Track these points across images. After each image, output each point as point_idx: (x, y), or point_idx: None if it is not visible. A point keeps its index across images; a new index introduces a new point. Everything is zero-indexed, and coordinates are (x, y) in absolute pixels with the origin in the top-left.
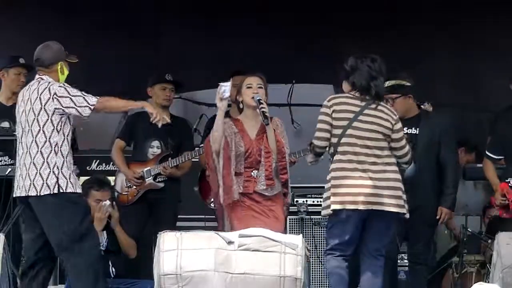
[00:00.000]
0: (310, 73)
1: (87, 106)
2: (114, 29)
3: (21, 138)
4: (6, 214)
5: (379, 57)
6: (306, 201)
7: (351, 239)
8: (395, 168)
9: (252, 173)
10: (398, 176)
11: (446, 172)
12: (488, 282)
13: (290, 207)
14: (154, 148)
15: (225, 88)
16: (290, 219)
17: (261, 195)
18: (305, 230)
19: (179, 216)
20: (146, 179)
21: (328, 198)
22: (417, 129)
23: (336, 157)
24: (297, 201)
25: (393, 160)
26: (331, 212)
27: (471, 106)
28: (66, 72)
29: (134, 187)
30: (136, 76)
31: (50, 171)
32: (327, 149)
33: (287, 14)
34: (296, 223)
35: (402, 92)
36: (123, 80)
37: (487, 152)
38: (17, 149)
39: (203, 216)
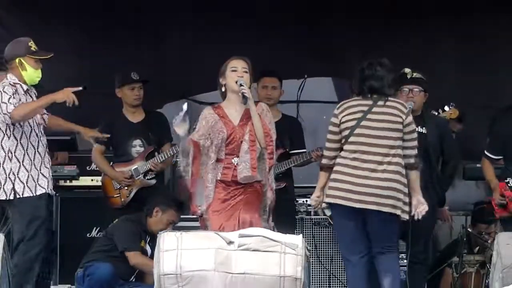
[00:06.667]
0: (310, 67)
1: (6, 114)
2: (115, 31)
3: None
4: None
5: (385, 59)
6: (306, 201)
7: (353, 238)
8: (399, 169)
9: (233, 160)
10: (401, 177)
11: (447, 168)
12: (488, 282)
13: None
14: (137, 147)
15: None
16: None
17: (239, 182)
18: (305, 230)
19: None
20: (136, 178)
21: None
22: (423, 127)
23: (343, 153)
24: (297, 201)
25: (400, 160)
26: (326, 205)
27: (473, 105)
28: (30, 69)
29: (126, 187)
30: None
31: (6, 177)
32: None
33: (287, 14)
34: (296, 223)
35: (425, 88)
36: None
37: (486, 152)
38: None
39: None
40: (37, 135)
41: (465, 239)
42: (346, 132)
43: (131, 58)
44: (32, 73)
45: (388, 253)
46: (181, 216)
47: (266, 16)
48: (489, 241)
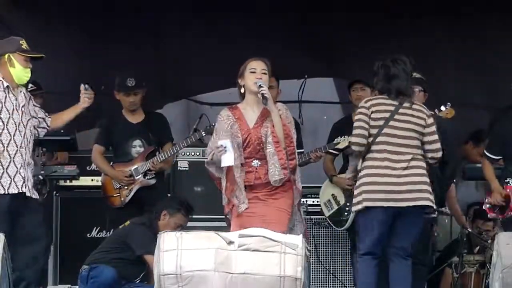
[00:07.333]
0: (310, 67)
1: None
2: (115, 31)
3: None
4: None
5: (404, 56)
6: (306, 201)
7: (380, 237)
8: (422, 163)
9: (253, 163)
10: (424, 171)
11: (447, 168)
12: (488, 282)
13: None
14: (137, 147)
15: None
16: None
17: (265, 185)
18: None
19: None
20: (136, 177)
21: (360, 194)
22: None
23: (371, 155)
24: None
25: (422, 156)
26: (362, 208)
27: (473, 105)
28: (19, 66)
29: (125, 187)
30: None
31: None
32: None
33: (287, 14)
34: None
35: (425, 88)
36: None
37: (486, 152)
38: None
39: (204, 216)
40: (9, 133)
41: (465, 239)
42: (374, 131)
43: (131, 58)
44: (20, 71)
45: (407, 257)
46: None
47: (266, 16)
48: (489, 241)
